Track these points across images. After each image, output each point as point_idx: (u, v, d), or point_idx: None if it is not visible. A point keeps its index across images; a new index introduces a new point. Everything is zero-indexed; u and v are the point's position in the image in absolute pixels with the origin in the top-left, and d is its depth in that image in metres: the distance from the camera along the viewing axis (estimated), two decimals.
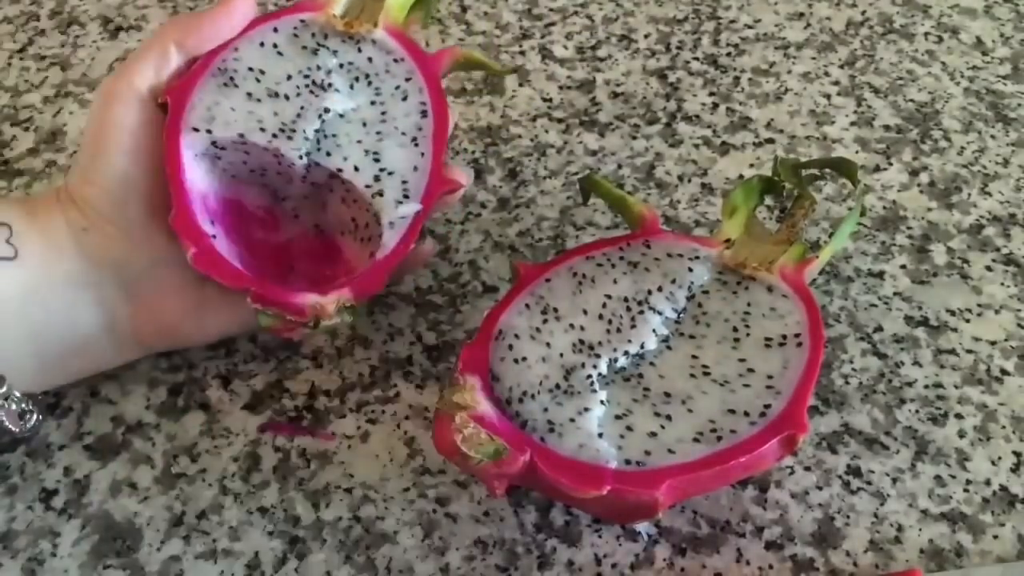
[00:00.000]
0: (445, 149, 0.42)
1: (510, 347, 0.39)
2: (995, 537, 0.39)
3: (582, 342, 0.39)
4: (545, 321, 0.39)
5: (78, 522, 0.40)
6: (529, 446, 0.35)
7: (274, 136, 0.41)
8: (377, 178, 0.41)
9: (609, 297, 0.40)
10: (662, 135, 0.55)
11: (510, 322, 0.39)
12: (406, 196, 0.41)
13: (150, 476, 0.41)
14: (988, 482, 0.41)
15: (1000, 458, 0.42)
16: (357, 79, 0.43)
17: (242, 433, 0.43)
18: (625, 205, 0.44)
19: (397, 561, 0.39)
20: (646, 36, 0.62)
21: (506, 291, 0.42)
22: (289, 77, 0.42)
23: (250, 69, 0.42)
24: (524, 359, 0.38)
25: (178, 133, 0.40)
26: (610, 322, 0.39)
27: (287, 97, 0.42)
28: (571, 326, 0.39)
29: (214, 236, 0.39)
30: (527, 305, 0.40)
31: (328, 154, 0.41)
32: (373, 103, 0.43)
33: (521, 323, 0.39)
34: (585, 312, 0.40)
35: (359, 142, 0.42)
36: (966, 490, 0.41)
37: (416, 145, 0.42)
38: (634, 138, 0.55)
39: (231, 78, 0.41)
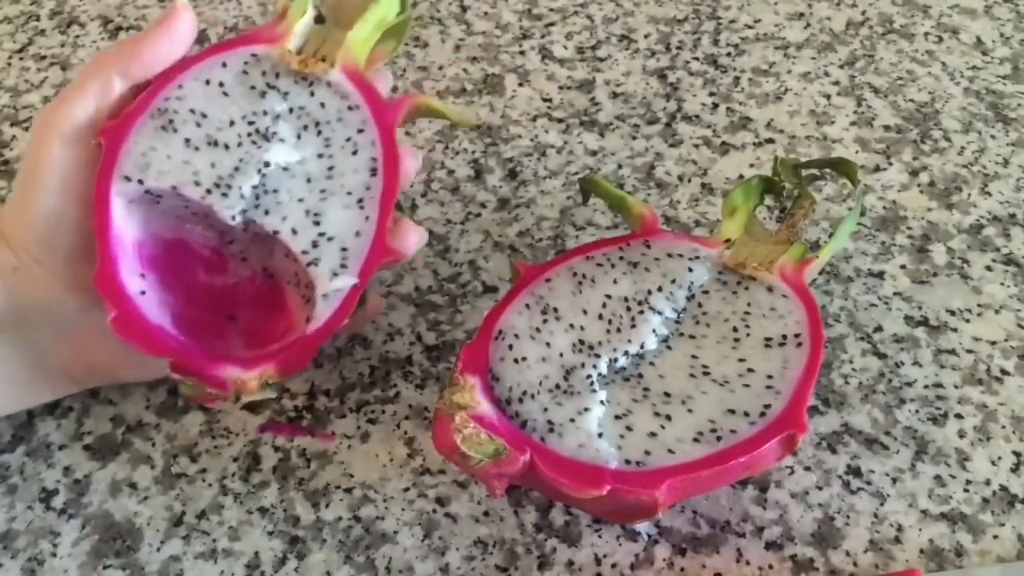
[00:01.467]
0: (392, 212, 0.39)
1: (510, 347, 0.39)
2: (995, 537, 0.39)
3: (582, 342, 0.39)
4: (545, 321, 0.39)
5: (78, 522, 0.40)
6: (529, 446, 0.35)
7: (208, 192, 0.38)
8: (315, 244, 0.38)
9: (609, 297, 0.40)
10: (662, 135, 0.55)
11: (510, 322, 0.39)
12: (344, 265, 0.38)
13: (150, 476, 0.41)
14: (988, 482, 0.41)
15: (1000, 458, 0.42)
16: (306, 127, 0.40)
17: (242, 433, 0.43)
18: (625, 205, 0.44)
19: (397, 561, 0.39)
20: (646, 36, 0.62)
21: (506, 291, 0.42)
22: (232, 123, 0.39)
23: (191, 111, 0.39)
24: (524, 359, 0.38)
25: (109, 180, 0.37)
26: (610, 322, 0.39)
27: (227, 147, 0.39)
28: (571, 326, 0.39)
29: (143, 292, 0.37)
30: (527, 305, 0.40)
31: (267, 212, 0.38)
32: (320, 156, 0.39)
33: (521, 323, 0.39)
34: (585, 312, 0.40)
35: (300, 200, 0.39)
36: (966, 490, 0.41)
37: (361, 207, 0.39)
38: (634, 138, 0.55)
39: (171, 121, 0.38)
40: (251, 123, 0.39)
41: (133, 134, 0.38)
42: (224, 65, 0.40)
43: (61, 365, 0.41)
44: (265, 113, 0.39)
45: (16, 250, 0.38)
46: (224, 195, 0.38)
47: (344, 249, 0.38)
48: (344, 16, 0.42)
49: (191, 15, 0.39)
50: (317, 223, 0.38)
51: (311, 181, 0.39)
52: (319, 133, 0.40)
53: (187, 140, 0.38)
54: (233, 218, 0.38)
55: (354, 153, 0.39)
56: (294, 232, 0.38)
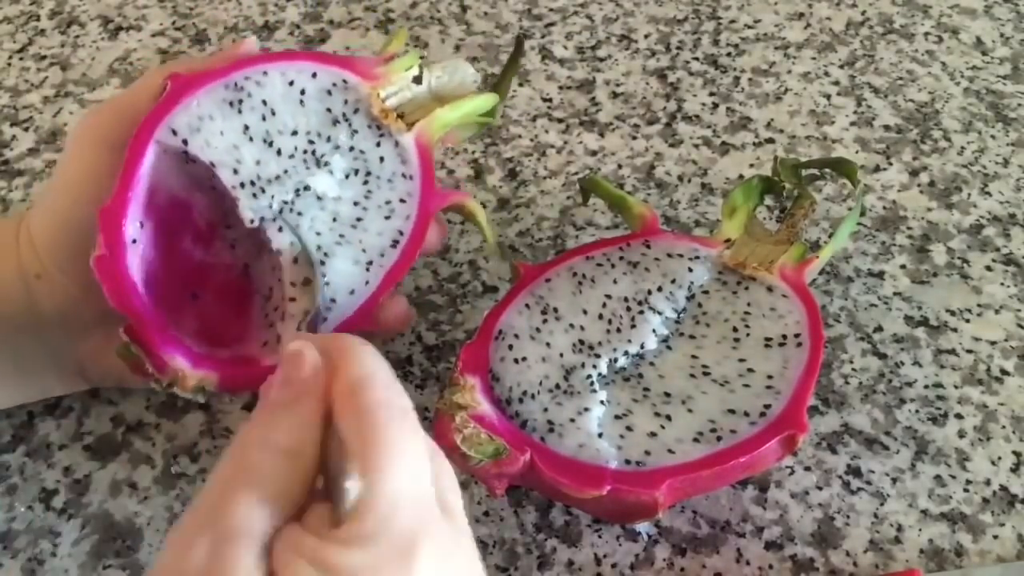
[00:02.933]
0: (391, 290, 0.39)
1: (510, 347, 0.39)
2: (995, 537, 0.39)
3: (582, 342, 0.39)
4: (545, 321, 0.39)
5: (78, 522, 0.40)
6: (529, 446, 0.35)
7: (241, 185, 0.38)
8: (307, 281, 0.38)
9: (609, 297, 0.40)
10: (662, 135, 0.55)
11: (510, 322, 0.39)
12: (324, 318, 0.38)
13: (150, 476, 0.41)
14: (988, 482, 0.41)
15: (1000, 458, 0.42)
16: (357, 171, 0.40)
17: None
18: (625, 205, 0.44)
19: None
20: (646, 36, 0.62)
21: (506, 291, 0.42)
22: (295, 133, 0.39)
23: (263, 102, 0.38)
24: (524, 359, 0.38)
25: (156, 125, 0.37)
26: (610, 322, 0.39)
27: (279, 152, 0.38)
28: (571, 326, 0.39)
29: (134, 241, 0.37)
30: (527, 305, 0.40)
31: (280, 229, 0.38)
32: (356, 203, 0.39)
33: (521, 323, 0.39)
34: (585, 312, 0.40)
35: (318, 234, 0.38)
36: (966, 490, 0.41)
37: (367, 270, 0.38)
38: (634, 138, 0.55)
39: (240, 100, 0.38)
40: (311, 142, 0.39)
41: (200, 93, 0.38)
42: (314, 76, 0.39)
43: (75, 365, 0.41)
44: (328, 140, 0.39)
45: (41, 256, 0.38)
46: (254, 196, 0.38)
47: (332, 300, 0.38)
48: (443, 91, 0.42)
49: (249, 44, 0.40)
50: (322, 263, 0.38)
51: (336, 221, 0.39)
52: (365, 183, 0.40)
53: (246, 127, 0.38)
54: (251, 221, 0.38)
55: (387, 217, 0.39)
56: (295, 261, 0.38)
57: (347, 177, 0.39)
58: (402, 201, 0.40)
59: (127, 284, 0.36)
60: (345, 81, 0.40)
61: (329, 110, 0.39)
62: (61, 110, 0.57)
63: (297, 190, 0.39)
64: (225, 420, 0.43)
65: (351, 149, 0.40)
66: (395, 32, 0.42)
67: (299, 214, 0.39)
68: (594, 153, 0.54)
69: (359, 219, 0.39)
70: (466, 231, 0.50)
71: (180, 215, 0.40)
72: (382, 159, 0.40)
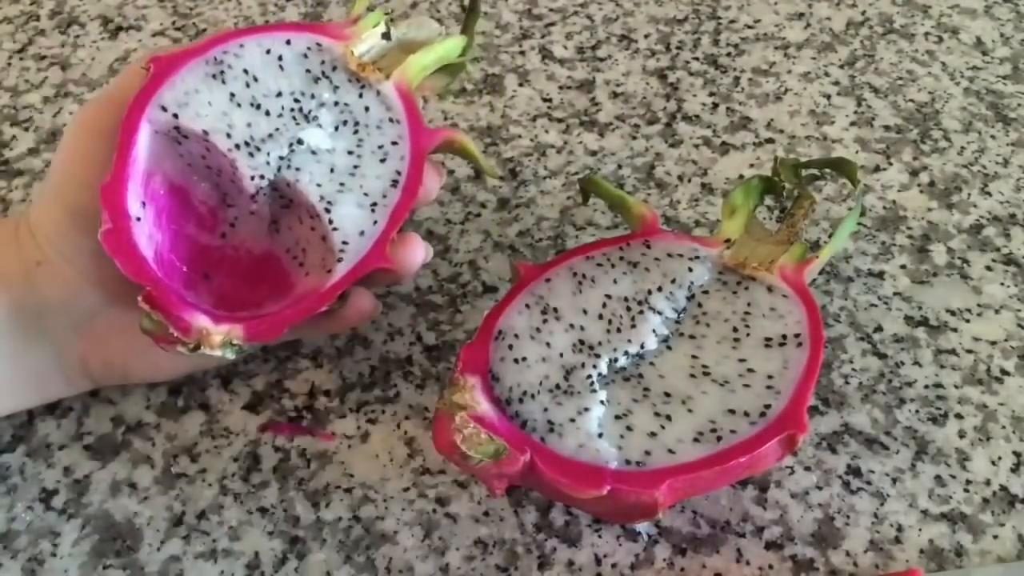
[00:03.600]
0: (399, 227, 0.40)
1: (510, 347, 0.39)
2: (995, 537, 0.39)
3: (582, 342, 0.39)
4: (545, 321, 0.39)
5: (78, 522, 0.40)
6: (529, 446, 0.35)
7: (236, 147, 0.39)
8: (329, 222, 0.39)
9: (609, 297, 0.40)
10: (662, 135, 0.55)
11: (510, 322, 0.39)
12: (340, 259, 0.39)
13: (150, 476, 0.41)
14: (988, 482, 0.41)
15: (1000, 458, 0.42)
16: (345, 123, 0.41)
17: (242, 433, 0.43)
18: (625, 205, 0.44)
19: (397, 561, 0.39)
20: (646, 36, 0.62)
21: (506, 291, 0.42)
22: (279, 94, 0.40)
23: (245, 71, 0.40)
24: (524, 359, 0.38)
25: (145, 105, 0.38)
26: (610, 322, 0.39)
27: (267, 113, 0.40)
28: (571, 326, 0.39)
29: (138, 218, 0.38)
30: (527, 305, 0.40)
31: (287, 184, 0.40)
32: (350, 152, 0.41)
33: (521, 323, 0.39)
34: (585, 312, 0.40)
35: (319, 186, 0.40)
36: (966, 490, 0.41)
37: (373, 211, 0.40)
38: (634, 138, 0.55)
39: (222, 72, 0.40)
40: (296, 100, 0.41)
41: (183, 71, 0.39)
42: (288, 43, 0.41)
43: (79, 359, 0.41)
44: (312, 97, 0.41)
45: (42, 244, 0.39)
46: (251, 155, 0.39)
47: (345, 243, 0.39)
48: (412, 44, 0.44)
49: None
50: (328, 210, 0.39)
51: (334, 171, 0.40)
52: (355, 132, 0.41)
53: (232, 95, 0.40)
54: (252, 179, 0.39)
55: (382, 161, 0.41)
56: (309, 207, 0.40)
57: (337, 129, 0.41)
58: (394, 143, 0.41)
59: (138, 254, 0.37)
60: (319, 44, 0.42)
61: (308, 71, 0.41)
62: (61, 110, 0.57)
63: (291, 145, 0.40)
64: (225, 420, 0.43)
65: (336, 104, 0.41)
66: None
67: (297, 169, 0.40)
68: (594, 153, 0.54)
69: (356, 166, 0.40)
70: (466, 231, 0.51)
71: (180, 202, 0.40)
72: (367, 108, 0.41)
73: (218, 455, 0.42)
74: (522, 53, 0.60)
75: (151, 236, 0.39)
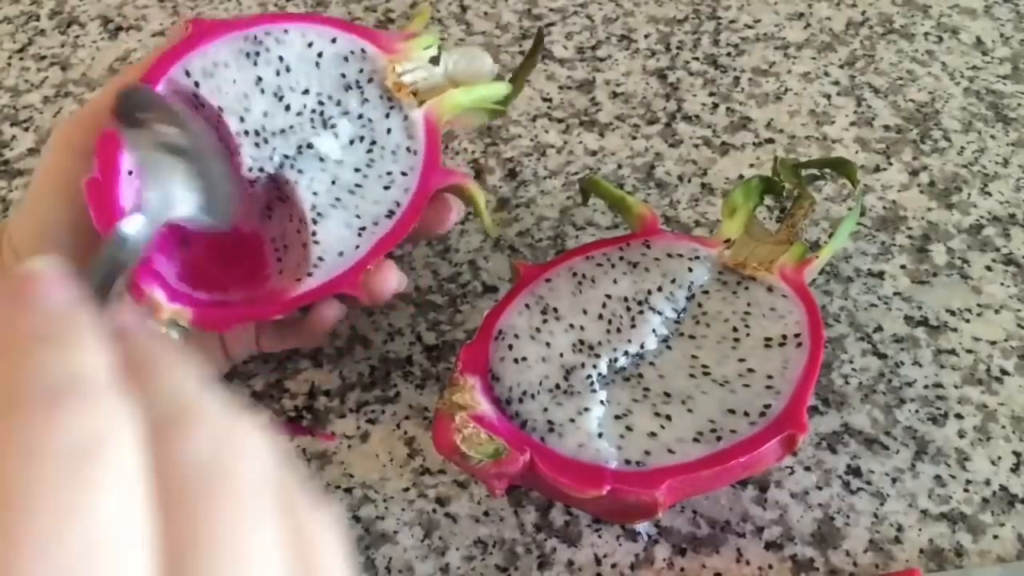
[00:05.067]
0: (378, 259, 0.39)
1: (510, 347, 0.39)
2: (995, 537, 0.39)
3: (582, 342, 0.39)
4: (545, 321, 0.39)
5: None
6: (529, 446, 0.35)
7: (246, 133, 0.38)
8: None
9: (609, 297, 0.40)
10: (662, 135, 0.55)
11: (510, 322, 0.39)
12: (311, 273, 0.38)
13: None
14: (988, 482, 0.41)
15: (1000, 458, 0.42)
16: (362, 138, 0.40)
17: None
18: (625, 205, 0.44)
19: (397, 561, 0.39)
20: (646, 36, 0.62)
21: (506, 291, 0.42)
22: (306, 92, 0.39)
23: (280, 59, 0.39)
24: (524, 359, 0.38)
25: (171, 64, 0.37)
26: (610, 322, 0.39)
27: (288, 108, 0.39)
28: (571, 326, 0.39)
29: (130, 172, 0.37)
30: (527, 305, 0.40)
31: (285, 182, 0.39)
32: (357, 170, 0.40)
33: (521, 323, 0.39)
34: (585, 312, 0.40)
35: (315, 194, 0.39)
36: (966, 490, 0.41)
37: (359, 235, 0.39)
38: (634, 138, 0.55)
39: (257, 53, 0.39)
40: (321, 103, 0.40)
41: (219, 41, 0.38)
42: (333, 41, 0.40)
43: None
44: (338, 103, 0.40)
45: (20, 254, 0.38)
46: (257, 145, 0.39)
47: (321, 259, 0.38)
48: (458, 76, 0.42)
49: None
50: (315, 221, 0.39)
51: (335, 184, 0.39)
52: (369, 151, 0.40)
53: (259, 78, 0.39)
54: (250, 169, 0.38)
55: (386, 188, 0.40)
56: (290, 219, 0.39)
57: (351, 143, 0.40)
58: (403, 174, 0.40)
59: (115, 210, 0.36)
60: (363, 50, 0.40)
61: (343, 76, 0.40)
62: (61, 110, 0.57)
63: (300, 147, 0.39)
64: None
65: (359, 116, 0.40)
66: (419, 10, 0.43)
67: (299, 171, 0.39)
68: (594, 153, 0.54)
69: (358, 185, 0.40)
70: (466, 231, 0.50)
71: None
72: (389, 130, 0.40)
73: None
74: (522, 53, 0.60)
75: (138, 191, 0.37)
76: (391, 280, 0.39)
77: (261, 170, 0.39)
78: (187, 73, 0.38)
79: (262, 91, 0.39)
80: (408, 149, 0.40)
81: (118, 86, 0.38)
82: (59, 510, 0.15)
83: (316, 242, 0.39)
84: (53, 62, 0.60)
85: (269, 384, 0.44)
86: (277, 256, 0.41)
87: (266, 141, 0.39)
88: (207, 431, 0.18)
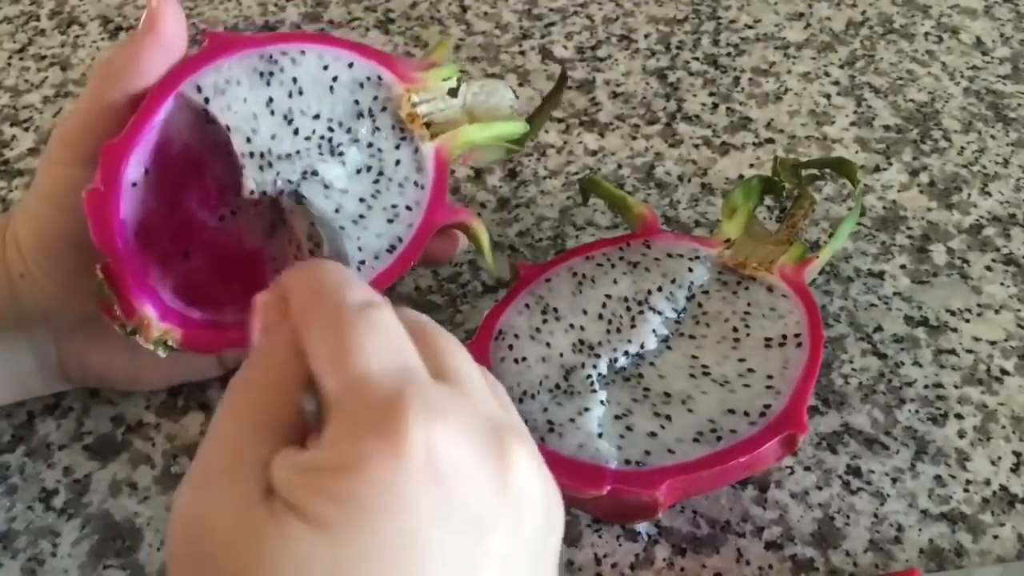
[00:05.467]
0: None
1: (510, 347, 0.39)
2: (995, 537, 0.39)
3: (582, 342, 0.39)
4: (545, 321, 0.39)
5: (78, 522, 0.40)
6: None
7: (251, 155, 0.38)
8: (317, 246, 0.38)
9: (609, 297, 0.40)
10: (662, 135, 0.55)
11: (510, 322, 0.39)
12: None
13: (150, 476, 0.41)
14: (988, 482, 0.41)
15: (1000, 458, 0.42)
16: (369, 168, 0.39)
17: None
18: (625, 205, 0.44)
19: None
20: (646, 36, 0.62)
21: (506, 291, 0.42)
22: (316, 116, 0.38)
23: (294, 80, 0.38)
24: (524, 359, 0.38)
25: (184, 78, 0.36)
26: (610, 322, 0.39)
27: (296, 132, 0.38)
28: (571, 326, 0.39)
29: (134, 184, 0.36)
30: (527, 305, 0.40)
31: (289, 210, 0.39)
32: (362, 200, 0.39)
33: (521, 323, 0.39)
34: (585, 312, 0.40)
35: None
36: (966, 490, 0.41)
37: (359, 270, 0.38)
38: (634, 138, 0.55)
39: (271, 73, 0.38)
40: (331, 129, 0.39)
41: (234, 58, 0.37)
42: (350, 65, 0.39)
43: (58, 368, 0.41)
44: (348, 131, 0.39)
45: (25, 256, 0.38)
46: (261, 168, 0.38)
47: None
48: (476, 109, 0.41)
49: (175, 11, 0.37)
50: (311, 252, 0.38)
51: (338, 213, 0.39)
52: (376, 182, 0.39)
53: (270, 99, 0.38)
54: (251, 192, 0.38)
55: (390, 221, 0.39)
56: (308, 236, 0.38)
57: (358, 172, 0.39)
58: (408, 208, 0.39)
59: (113, 223, 0.36)
60: (380, 77, 0.39)
61: (357, 102, 0.39)
62: (61, 110, 0.57)
63: (305, 173, 0.38)
64: None
65: (369, 145, 0.39)
66: (441, 40, 0.42)
67: (301, 197, 0.39)
68: (594, 153, 0.54)
69: (361, 216, 0.39)
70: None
71: (192, 172, 0.40)
72: (398, 162, 0.40)
73: None
74: (522, 53, 0.60)
75: (144, 201, 0.37)
76: None
77: (264, 194, 0.38)
78: (198, 88, 0.37)
79: (272, 112, 0.38)
80: (416, 183, 0.40)
81: (107, 73, 0.37)
82: None
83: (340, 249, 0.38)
84: (53, 62, 0.60)
85: None
86: (278, 276, 0.40)
87: (270, 164, 0.38)
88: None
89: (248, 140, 0.38)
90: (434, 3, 0.64)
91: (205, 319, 0.38)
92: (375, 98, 0.39)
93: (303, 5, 0.64)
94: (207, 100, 0.37)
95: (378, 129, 0.39)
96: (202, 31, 0.62)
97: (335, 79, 0.39)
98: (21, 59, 0.61)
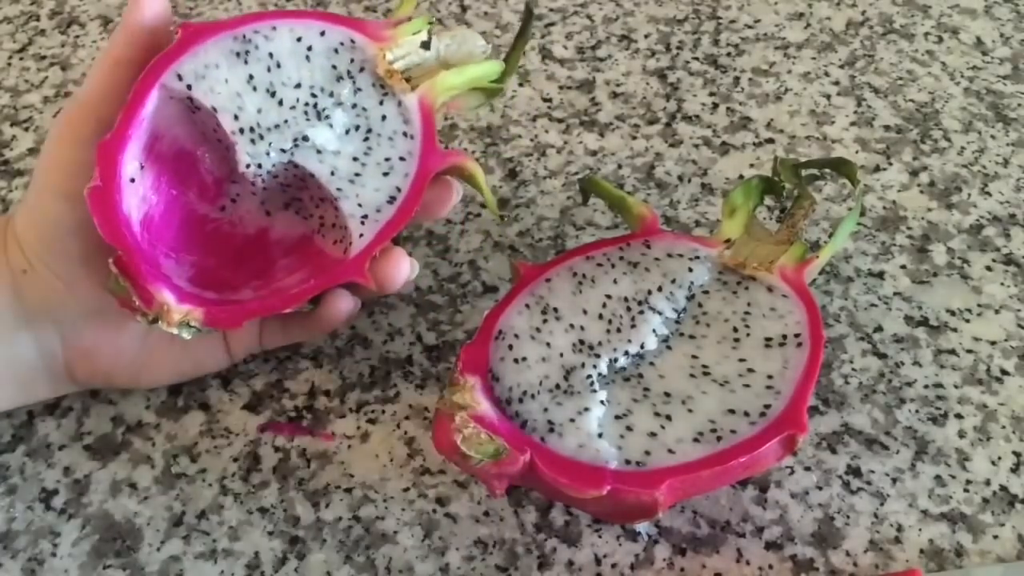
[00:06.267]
0: (383, 244, 0.39)
1: (510, 347, 0.39)
2: (995, 537, 0.39)
3: (582, 342, 0.39)
4: (545, 321, 0.39)
5: (78, 522, 0.40)
6: (529, 446, 0.35)
7: (240, 131, 0.38)
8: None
9: (609, 297, 0.40)
10: (662, 135, 0.55)
11: (510, 322, 0.39)
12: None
13: (150, 476, 0.41)
14: (988, 482, 0.41)
15: (1000, 458, 0.42)
16: (358, 127, 0.40)
17: (242, 433, 0.43)
18: (625, 205, 0.44)
19: (397, 561, 0.39)
20: (646, 36, 0.62)
21: (506, 291, 0.42)
22: (298, 86, 0.39)
23: (270, 55, 0.39)
24: (524, 359, 0.38)
25: (163, 69, 0.37)
26: (610, 322, 0.39)
27: (281, 103, 0.39)
28: (571, 326, 0.39)
29: (132, 180, 0.37)
30: (527, 305, 0.40)
31: (295, 167, 0.39)
32: (355, 159, 0.40)
33: (521, 323, 0.39)
34: (585, 312, 0.40)
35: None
36: (966, 490, 0.41)
37: (363, 223, 0.39)
38: (634, 138, 0.55)
39: (247, 51, 0.39)
40: (313, 95, 0.40)
41: (209, 43, 0.38)
42: (322, 34, 0.40)
43: (64, 365, 0.41)
44: (331, 95, 0.40)
45: (27, 252, 0.38)
46: (252, 142, 0.39)
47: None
48: (451, 59, 0.42)
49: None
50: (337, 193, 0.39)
51: (334, 175, 0.39)
52: (365, 139, 0.40)
53: (250, 76, 0.39)
54: (247, 165, 0.39)
55: (385, 174, 0.40)
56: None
57: (347, 132, 0.40)
58: (401, 159, 0.40)
59: (119, 216, 0.36)
60: (353, 41, 0.40)
61: (335, 67, 0.40)
62: (61, 110, 0.57)
63: (296, 140, 0.39)
64: (225, 420, 0.43)
65: (353, 106, 0.40)
66: None
67: (296, 166, 0.39)
68: (594, 153, 0.54)
69: (357, 174, 0.40)
70: (466, 231, 0.51)
71: (186, 168, 0.40)
72: (384, 117, 0.40)
73: (218, 455, 0.42)
74: (522, 53, 0.60)
75: (145, 198, 0.38)
76: (402, 266, 0.39)
77: (259, 166, 0.39)
78: (179, 77, 0.38)
79: (254, 88, 0.39)
80: (404, 134, 0.40)
81: (107, 63, 0.38)
82: None
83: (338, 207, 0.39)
84: (53, 62, 0.60)
85: (269, 384, 0.44)
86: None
87: (261, 137, 0.39)
88: None
89: (236, 118, 0.38)
90: (434, 3, 0.64)
91: (221, 298, 0.39)
92: (351, 61, 0.40)
93: (303, 5, 0.64)
94: (189, 87, 0.38)
95: (359, 89, 0.40)
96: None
97: (310, 48, 0.40)
98: (21, 59, 0.61)
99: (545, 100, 0.57)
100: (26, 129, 0.56)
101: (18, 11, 0.64)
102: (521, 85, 0.58)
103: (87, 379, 0.42)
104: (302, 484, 0.41)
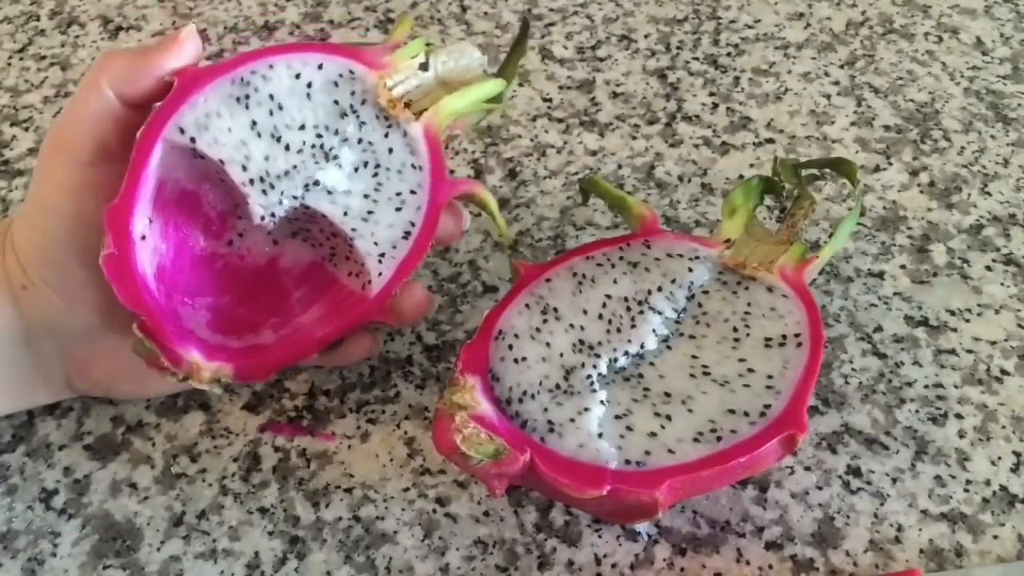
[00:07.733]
0: (404, 280, 0.39)
1: (510, 347, 0.39)
2: (995, 537, 0.39)
3: (582, 342, 0.39)
4: (545, 321, 0.39)
5: (78, 522, 0.40)
6: (529, 446, 0.35)
7: (251, 182, 0.38)
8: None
9: (609, 297, 0.40)
10: (662, 135, 0.55)
11: (510, 322, 0.39)
12: (380, 261, 0.39)
13: (150, 476, 0.41)
14: (988, 482, 0.41)
15: (1000, 458, 0.42)
16: (366, 164, 0.39)
17: (242, 433, 0.43)
18: (625, 205, 0.44)
19: (397, 561, 0.39)
20: (646, 36, 0.62)
21: (506, 291, 0.42)
22: (302, 127, 0.38)
23: (270, 97, 0.38)
24: (524, 359, 0.38)
25: (164, 123, 0.36)
26: (610, 322, 0.39)
27: (287, 147, 0.38)
28: (571, 326, 0.39)
29: (143, 237, 0.37)
30: (527, 305, 0.40)
31: (306, 212, 0.39)
32: (367, 196, 0.39)
33: (521, 323, 0.39)
34: (585, 312, 0.40)
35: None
36: (966, 490, 0.41)
37: (380, 262, 0.39)
38: (634, 138, 0.55)
39: (247, 95, 0.38)
40: (319, 136, 0.39)
41: (207, 89, 0.37)
42: (320, 67, 0.39)
43: (64, 378, 0.41)
44: (336, 133, 0.39)
45: (26, 268, 0.38)
46: (264, 192, 0.38)
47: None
48: (449, 76, 0.42)
49: (196, 39, 0.38)
50: (333, 256, 0.39)
51: (347, 215, 0.39)
52: (375, 175, 0.40)
53: (253, 122, 0.38)
54: (262, 218, 0.38)
55: (397, 209, 0.39)
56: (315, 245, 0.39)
57: (356, 170, 0.39)
58: (412, 192, 0.40)
59: (138, 282, 0.36)
60: (351, 71, 0.39)
61: (336, 102, 0.39)
62: (61, 110, 0.57)
63: (307, 185, 0.39)
64: (225, 420, 0.43)
65: (359, 141, 0.39)
66: (400, 19, 0.42)
67: (307, 208, 0.39)
68: (594, 153, 0.54)
69: (370, 212, 0.39)
70: (466, 231, 0.50)
71: (190, 206, 0.40)
72: (391, 150, 0.40)
73: (218, 455, 0.42)
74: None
75: (156, 249, 0.38)
76: (421, 302, 0.40)
77: (273, 216, 0.38)
78: (181, 130, 0.37)
79: (259, 135, 0.38)
80: (413, 166, 0.40)
81: (92, 84, 0.37)
82: None
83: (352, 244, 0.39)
84: (53, 62, 0.60)
85: (269, 384, 0.44)
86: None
87: (272, 187, 0.38)
88: None
89: (244, 168, 0.38)
90: (434, 3, 0.64)
91: (246, 346, 0.39)
92: (352, 93, 0.39)
93: (303, 5, 0.64)
94: (193, 140, 0.37)
95: (364, 123, 0.40)
96: (202, 31, 0.62)
97: (309, 85, 0.39)
98: (21, 59, 0.61)
99: (545, 100, 0.57)
100: (26, 129, 0.56)
101: (18, 11, 0.64)
102: (521, 85, 0.58)
103: (87, 390, 0.42)
104: (302, 484, 0.41)
